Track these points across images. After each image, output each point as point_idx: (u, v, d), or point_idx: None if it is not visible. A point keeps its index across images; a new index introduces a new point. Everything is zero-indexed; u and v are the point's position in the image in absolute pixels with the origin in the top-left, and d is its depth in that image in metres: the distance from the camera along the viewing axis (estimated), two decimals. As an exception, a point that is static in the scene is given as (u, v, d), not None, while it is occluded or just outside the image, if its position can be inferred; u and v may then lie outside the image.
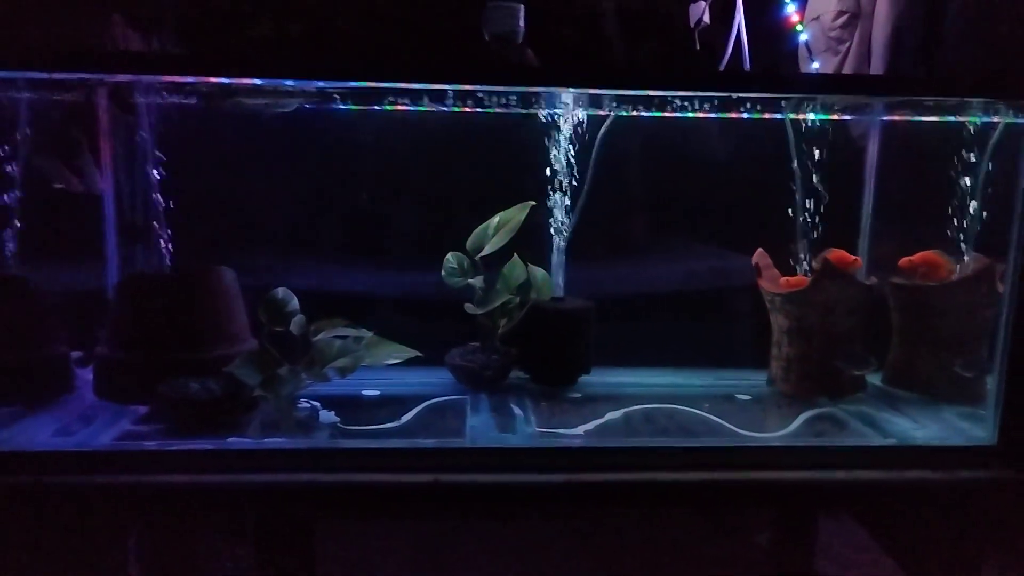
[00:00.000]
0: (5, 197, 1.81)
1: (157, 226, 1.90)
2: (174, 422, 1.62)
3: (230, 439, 1.58)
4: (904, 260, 1.99)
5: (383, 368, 1.76)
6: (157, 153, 1.88)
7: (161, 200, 1.90)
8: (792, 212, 2.03)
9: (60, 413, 1.72)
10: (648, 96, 1.76)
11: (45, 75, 1.49)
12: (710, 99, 1.80)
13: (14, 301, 1.75)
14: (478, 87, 1.64)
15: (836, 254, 1.93)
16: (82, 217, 1.96)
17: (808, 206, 2.01)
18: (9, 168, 1.81)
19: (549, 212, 2.04)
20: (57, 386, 1.80)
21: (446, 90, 1.68)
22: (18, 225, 1.84)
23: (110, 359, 1.75)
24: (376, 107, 1.90)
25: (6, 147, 1.79)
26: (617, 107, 1.91)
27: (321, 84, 1.62)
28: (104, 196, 1.96)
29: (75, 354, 1.88)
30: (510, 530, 2.40)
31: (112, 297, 1.86)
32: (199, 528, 1.93)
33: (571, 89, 1.70)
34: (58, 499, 1.47)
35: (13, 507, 1.47)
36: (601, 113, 1.96)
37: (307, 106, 1.81)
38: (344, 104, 1.87)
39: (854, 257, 1.97)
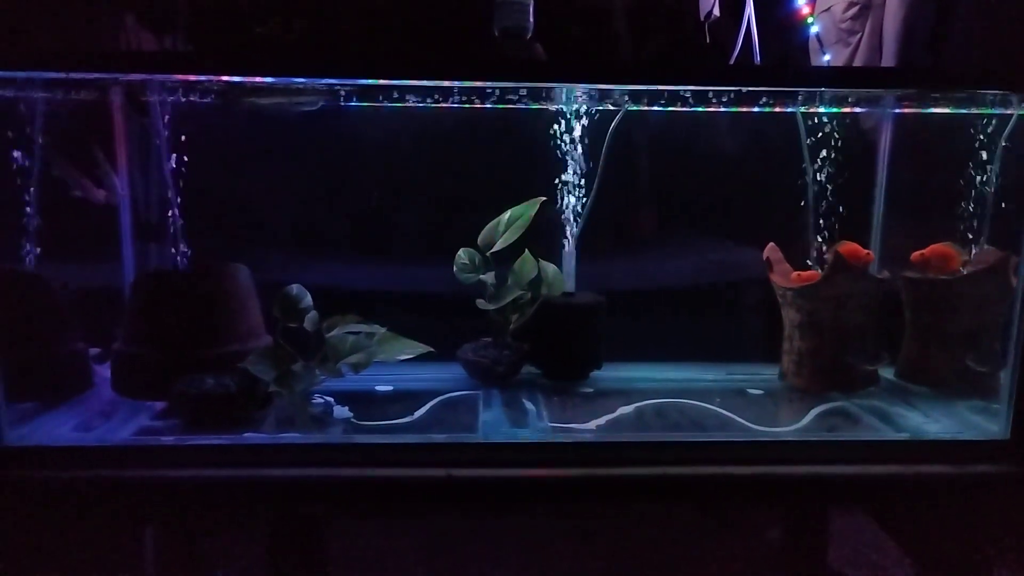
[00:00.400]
0: (24, 198, 1.84)
1: (173, 224, 1.92)
2: (190, 418, 1.64)
3: (245, 434, 1.61)
4: (916, 254, 1.98)
5: (396, 364, 1.77)
6: (174, 153, 1.90)
7: (177, 199, 1.92)
8: (804, 206, 2.02)
9: (79, 409, 1.75)
10: (657, 90, 1.76)
11: (62, 75, 1.50)
12: (722, 93, 1.80)
13: (33, 299, 1.78)
14: (487, 83, 1.65)
15: (848, 248, 1.92)
16: (99, 215, 1.98)
17: (820, 200, 2.00)
18: (27, 168, 1.83)
19: (560, 207, 2.05)
20: (76, 382, 1.83)
21: (455, 86, 1.69)
22: (36, 224, 1.87)
23: (127, 355, 1.78)
24: (387, 103, 1.91)
25: (26, 149, 1.81)
26: (628, 101, 1.91)
27: (333, 82, 1.63)
28: (121, 198, 1.98)
29: (93, 351, 1.91)
30: (518, 530, 2.40)
31: (129, 294, 1.88)
32: (214, 523, 1.95)
33: (580, 84, 1.70)
34: (78, 493, 1.49)
35: (34, 501, 1.50)
36: (612, 108, 1.96)
37: (323, 103, 1.83)
38: (361, 101, 1.88)
39: (866, 251, 1.96)
